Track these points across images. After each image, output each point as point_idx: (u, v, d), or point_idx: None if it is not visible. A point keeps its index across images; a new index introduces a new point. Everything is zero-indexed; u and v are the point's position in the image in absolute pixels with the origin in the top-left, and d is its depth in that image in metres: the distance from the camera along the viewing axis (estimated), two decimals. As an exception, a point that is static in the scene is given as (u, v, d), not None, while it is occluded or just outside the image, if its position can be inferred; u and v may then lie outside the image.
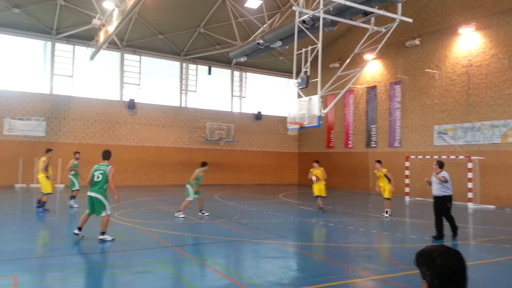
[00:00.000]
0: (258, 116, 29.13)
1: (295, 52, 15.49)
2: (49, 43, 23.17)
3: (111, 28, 17.33)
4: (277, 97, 30.89)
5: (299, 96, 16.11)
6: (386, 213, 13.22)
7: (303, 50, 15.27)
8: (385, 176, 13.36)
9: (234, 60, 24.61)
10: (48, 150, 13.09)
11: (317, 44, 14.40)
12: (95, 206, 8.38)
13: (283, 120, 24.26)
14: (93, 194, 8.36)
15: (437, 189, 9.71)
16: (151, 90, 26.19)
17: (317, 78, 14.75)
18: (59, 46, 23.37)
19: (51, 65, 23.17)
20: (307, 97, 15.62)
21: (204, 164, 12.69)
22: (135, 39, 24.69)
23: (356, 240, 9.81)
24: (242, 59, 21.69)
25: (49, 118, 22.61)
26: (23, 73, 22.64)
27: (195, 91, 27.75)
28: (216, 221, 11.57)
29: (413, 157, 20.39)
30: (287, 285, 6.15)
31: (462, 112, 19.36)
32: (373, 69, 24.35)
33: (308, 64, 15.05)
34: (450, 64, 20.09)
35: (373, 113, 24.34)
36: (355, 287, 6.26)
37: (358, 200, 19.76)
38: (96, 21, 17.83)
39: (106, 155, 8.68)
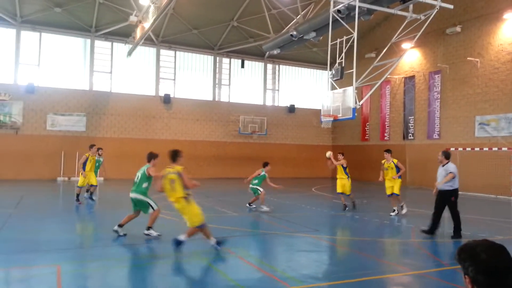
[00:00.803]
0: (291, 109, 28.96)
1: (330, 43, 15.24)
2: (88, 41, 23.97)
3: (147, 25, 17.68)
4: (310, 89, 30.55)
5: (334, 88, 15.84)
6: (400, 210, 11.89)
7: (338, 40, 15.00)
8: (396, 166, 11.85)
9: (267, 52, 24.52)
10: (92, 146, 13.45)
11: (352, 34, 14.09)
12: (139, 207, 8.36)
13: (316, 112, 23.99)
14: (133, 195, 8.31)
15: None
16: (185, 85, 26.60)
17: (352, 69, 14.45)
18: (98, 43, 24.14)
19: (91, 62, 23.97)
20: (342, 89, 15.35)
21: (266, 164, 12.69)
22: (170, 34, 25.09)
23: (392, 234, 9.60)
24: (276, 52, 21.57)
25: (89, 113, 23.46)
26: (64, 71, 23.57)
27: (228, 85, 27.92)
28: (250, 214, 11.64)
29: (453, 149, 19.60)
30: (321, 279, 6.12)
31: (506, 102, 18.40)
32: (411, 58, 23.55)
33: (343, 55, 14.76)
34: (493, 51, 19.10)
35: (411, 104, 23.59)
36: (391, 282, 6.13)
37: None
38: (133, 18, 18.27)
39: (149, 157, 8.58)
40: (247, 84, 28.58)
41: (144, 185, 8.30)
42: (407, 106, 23.87)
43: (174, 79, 26.24)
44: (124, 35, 22.74)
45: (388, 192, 11.95)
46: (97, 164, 13.64)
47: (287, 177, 27.58)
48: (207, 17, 24.27)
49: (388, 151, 12.27)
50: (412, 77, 23.56)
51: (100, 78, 24.31)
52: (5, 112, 21.43)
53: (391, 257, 7.47)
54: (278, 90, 29.53)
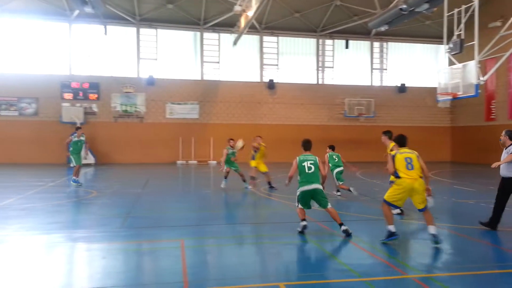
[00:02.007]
0: (402, 89, 27.17)
1: (446, 14, 13.87)
2: (198, 33, 25.49)
3: (251, 13, 18.08)
4: (423, 66, 28.25)
5: (451, 63, 14.47)
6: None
7: (456, 10, 13.58)
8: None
9: (374, 30, 23.29)
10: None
11: (472, 1, 12.60)
12: (319, 199, 7.27)
13: (431, 91, 22.17)
14: (317, 185, 7.20)
15: (504, 168, 7.46)
16: (288, 70, 26.72)
17: (473, 41, 13.01)
18: (206, 35, 25.54)
19: (201, 53, 25.50)
20: (461, 64, 13.94)
21: (332, 147, 11.89)
22: (273, 20, 25.34)
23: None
24: (383, 28, 20.34)
25: (201, 101, 25.08)
26: (178, 63, 25.48)
27: (332, 67, 27.27)
28: (360, 199, 11.31)
29: None
30: (441, 268, 5.71)
31: None
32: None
33: (462, 26, 13.34)
34: None
35: (548, 76, 20.36)
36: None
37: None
38: (237, 8, 18.89)
39: (307, 145, 7.69)
40: (352, 65, 27.57)
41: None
42: (543, 79, 20.67)
43: (277, 65, 26.53)
44: (230, 25, 23.63)
45: None
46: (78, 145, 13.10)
47: (397, 161, 26.16)
48: (308, -1, 23.94)
49: (386, 133, 10.65)
50: (550, 45, 20.21)
51: (209, 68, 25.74)
52: (131, 103, 24.07)
53: (525, 250, 6.61)
54: (386, 69, 27.93)
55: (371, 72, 27.75)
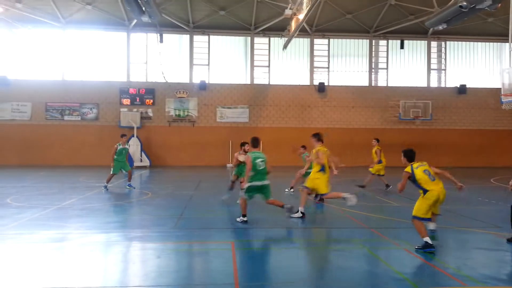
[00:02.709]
0: (462, 90, 25.74)
1: None
2: (248, 38, 25.79)
3: (301, 16, 17.98)
4: (486, 66, 26.60)
5: (517, 62, 13.50)
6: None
7: (522, 5, 12.67)
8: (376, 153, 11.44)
9: (431, 29, 22.30)
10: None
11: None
12: (265, 192, 8.30)
13: (495, 92, 20.84)
14: (267, 182, 8.24)
15: None
16: (340, 72, 26.27)
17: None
18: (256, 39, 25.78)
19: (251, 58, 25.78)
20: (528, 62, 12.98)
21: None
22: (324, 22, 25.06)
23: None
24: (441, 27, 19.33)
25: (251, 105, 25.32)
26: (229, 67, 25.93)
27: (386, 68, 26.45)
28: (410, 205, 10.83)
29: None
30: (506, 281, 5.30)
31: None
32: None
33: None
34: None
35: None
36: None
37: None
38: (288, 11, 18.86)
39: (257, 142, 8.61)
40: (408, 65, 26.57)
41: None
42: None
43: (328, 67, 26.17)
44: (280, 29, 23.65)
45: None
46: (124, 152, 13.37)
47: (457, 166, 24.77)
48: (361, -1, 23.42)
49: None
50: None
51: (259, 72, 25.93)
52: (184, 108, 24.82)
53: None
54: (444, 69, 26.62)
55: (429, 72, 26.56)
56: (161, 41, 24.63)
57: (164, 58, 25.23)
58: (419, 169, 6.59)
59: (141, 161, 23.01)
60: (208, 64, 25.62)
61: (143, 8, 18.68)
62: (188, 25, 25.06)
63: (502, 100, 14.45)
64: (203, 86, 24.78)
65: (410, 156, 6.88)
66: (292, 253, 6.68)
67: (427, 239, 6.42)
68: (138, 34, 25.19)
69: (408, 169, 6.63)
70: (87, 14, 23.95)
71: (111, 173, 13.15)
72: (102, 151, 23.87)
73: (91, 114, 24.44)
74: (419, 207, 6.53)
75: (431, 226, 6.82)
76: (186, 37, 25.61)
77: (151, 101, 24.66)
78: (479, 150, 25.51)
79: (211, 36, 25.64)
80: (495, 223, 8.72)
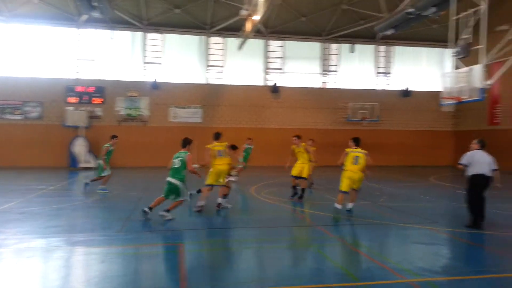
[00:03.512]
0: (406, 93, 27.05)
1: (453, 18, 13.83)
2: (204, 38, 25.58)
3: (257, 17, 18.09)
4: (429, 70, 28.12)
5: (457, 67, 14.38)
6: (302, 192, 11.25)
7: (462, 14, 13.54)
8: (306, 150, 11.34)
9: (379, 34, 23.24)
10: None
11: (479, 5, 12.55)
12: (171, 191, 8.58)
13: (435, 95, 22.01)
14: (172, 179, 8.60)
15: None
16: (293, 73, 26.73)
17: (479, 45, 12.95)
18: (212, 39, 25.63)
19: (206, 57, 25.59)
20: (467, 68, 13.87)
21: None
22: (279, 24, 25.38)
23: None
24: (389, 32, 20.31)
25: (205, 105, 25.12)
26: (183, 67, 25.57)
27: (337, 71, 27.25)
28: (360, 203, 11.25)
29: None
30: (440, 273, 5.66)
31: None
32: (554, 27, 20.06)
33: (469, 29, 13.28)
34: None
35: (555, 81, 20.18)
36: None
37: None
38: (243, 12, 18.91)
39: (184, 143, 9.04)
40: (357, 69, 27.53)
41: (183, 172, 8.72)
42: (549, 84, 20.50)
43: (282, 69, 26.55)
44: (236, 29, 23.66)
45: None
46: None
47: (401, 165, 26.00)
48: (315, 2, 23.96)
49: (297, 136, 11.92)
50: (556, 49, 20.05)
51: (214, 72, 25.80)
52: (135, 107, 24.17)
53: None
54: (390, 73, 27.85)
55: (376, 76, 27.68)
56: (112, 37, 23.85)
57: (115, 56, 24.49)
58: (352, 154, 9.20)
59: (87, 162, 22.13)
60: (161, 63, 25.12)
61: (94, 4, 18.01)
62: (141, 22, 24.43)
63: (442, 103, 15.32)
64: (155, 85, 24.25)
65: (356, 141, 9.50)
66: (241, 253, 6.71)
67: (337, 205, 8.87)
68: (88, 30, 24.21)
69: (347, 150, 9.36)
70: (34, 8, 22.66)
71: (107, 174, 12.74)
72: (46, 152, 22.72)
73: (34, 113, 23.16)
74: (340, 182, 9.13)
75: (349, 206, 9.29)
76: (139, 35, 24.95)
77: (100, 99, 23.78)
78: (421, 150, 26.92)
79: (165, 34, 25.16)
80: (432, 218, 9.25)
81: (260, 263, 6.23)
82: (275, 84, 25.75)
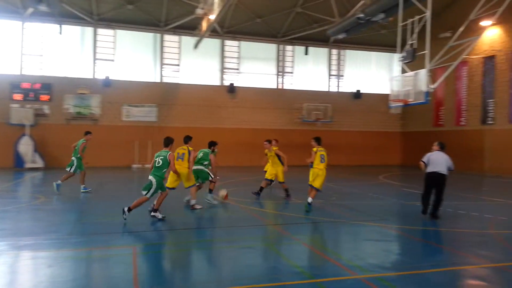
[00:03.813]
0: (357, 95, 28.05)
1: (400, 24, 14.50)
2: (158, 35, 25.08)
3: (213, 17, 18.02)
4: (378, 74, 29.34)
5: (404, 71, 15.10)
6: (287, 195, 11.86)
7: (409, 20, 14.24)
8: (277, 155, 12.03)
9: (332, 38, 23.90)
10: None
11: (425, 13, 13.26)
12: (147, 187, 8.54)
13: (385, 98, 23.03)
14: (151, 177, 8.57)
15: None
16: (249, 74, 26.87)
17: (424, 50, 13.67)
18: (167, 37, 25.17)
19: (161, 56, 25.10)
20: (413, 72, 14.60)
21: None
22: (235, 24, 25.40)
23: (468, 225, 8.99)
24: (341, 36, 20.94)
25: (160, 104, 24.63)
26: (137, 64, 24.93)
27: (292, 73, 27.73)
28: (313, 202, 11.53)
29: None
30: (389, 268, 5.93)
31: None
32: (491, 36, 21.63)
33: (415, 35, 13.99)
34: None
35: (491, 86, 21.75)
36: (466, 275, 5.76)
37: (471, 182, 18.02)
38: (199, 11, 18.75)
39: (166, 142, 8.97)
40: (311, 71, 28.16)
41: (164, 170, 8.68)
42: (486, 88, 22.07)
43: (238, 69, 26.62)
44: (191, 28, 23.42)
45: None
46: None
47: (353, 164, 26.93)
48: (271, 4, 24.19)
49: (268, 141, 12.70)
50: (492, 57, 21.66)
51: (169, 71, 25.37)
52: (85, 105, 23.24)
53: (466, 249, 7.01)
54: (343, 76, 28.75)
55: (329, 78, 28.46)
56: (61, 32, 22.80)
57: (64, 51, 23.42)
58: (319, 152, 9.89)
59: (34, 162, 21.01)
60: (114, 60, 24.33)
61: (41, -4, 17.09)
62: (91, 17, 23.51)
63: (391, 105, 16.02)
64: (107, 83, 23.45)
65: (318, 140, 10.15)
66: (196, 255, 6.69)
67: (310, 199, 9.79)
68: (34, 24, 22.95)
69: (315, 149, 9.95)
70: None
71: (80, 171, 12.58)
72: (-13, 151, 21.33)
73: (-26, 110, 21.64)
74: (312, 179, 9.96)
75: (309, 199, 9.86)
76: (89, 30, 24.01)
77: (47, 96, 22.62)
78: (372, 150, 28.03)
79: (117, 30, 24.39)
80: (382, 216, 9.68)
81: (216, 264, 6.24)
82: (231, 84, 25.77)
